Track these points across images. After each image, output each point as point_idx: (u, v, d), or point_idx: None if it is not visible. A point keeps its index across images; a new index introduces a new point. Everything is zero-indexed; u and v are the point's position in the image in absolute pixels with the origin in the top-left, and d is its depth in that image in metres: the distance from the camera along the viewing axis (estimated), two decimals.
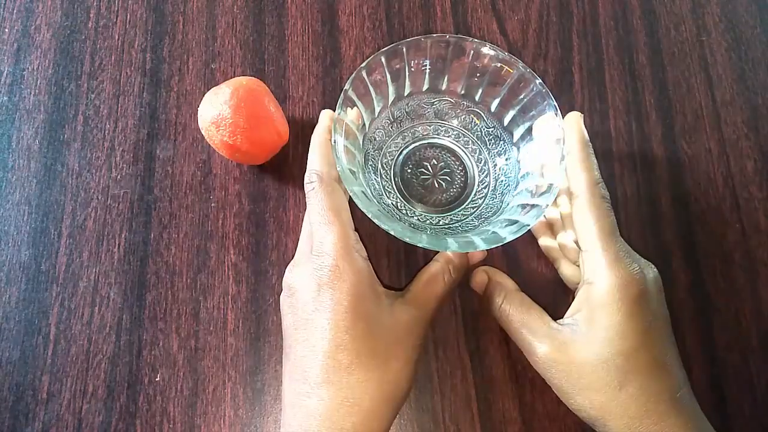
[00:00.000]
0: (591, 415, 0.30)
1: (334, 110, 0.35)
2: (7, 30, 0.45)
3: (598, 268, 0.31)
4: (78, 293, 0.39)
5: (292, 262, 0.34)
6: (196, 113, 0.40)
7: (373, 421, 0.29)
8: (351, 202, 0.35)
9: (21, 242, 0.40)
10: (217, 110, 0.36)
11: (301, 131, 0.43)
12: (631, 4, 0.48)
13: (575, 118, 0.35)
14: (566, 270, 0.37)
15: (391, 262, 0.40)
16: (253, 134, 0.37)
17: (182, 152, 0.42)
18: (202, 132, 0.38)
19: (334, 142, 0.35)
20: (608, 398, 0.29)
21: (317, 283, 0.30)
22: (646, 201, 0.42)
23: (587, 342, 0.30)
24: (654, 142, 0.44)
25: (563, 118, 0.36)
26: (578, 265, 0.37)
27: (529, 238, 0.40)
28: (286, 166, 0.42)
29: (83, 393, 0.37)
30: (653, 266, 0.33)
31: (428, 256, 0.40)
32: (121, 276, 0.39)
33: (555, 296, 0.40)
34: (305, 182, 0.34)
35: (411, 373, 0.31)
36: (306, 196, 0.33)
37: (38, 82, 0.44)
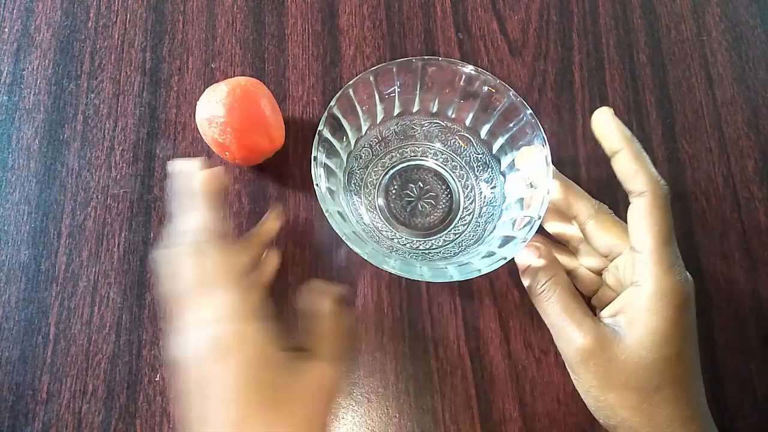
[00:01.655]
0: (618, 415, 0.30)
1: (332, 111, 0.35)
2: (7, 30, 0.45)
3: (650, 272, 0.30)
4: (78, 293, 0.39)
5: (176, 329, 0.29)
6: (196, 111, 0.40)
7: None
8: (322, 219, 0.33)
9: (21, 242, 0.40)
10: (211, 107, 0.36)
11: (301, 131, 0.43)
12: (632, 3, 0.48)
13: (610, 114, 0.32)
14: (583, 275, 0.37)
15: None
16: (244, 136, 0.37)
17: (182, 152, 0.42)
18: (198, 126, 0.38)
19: (314, 158, 0.34)
20: (641, 399, 0.29)
21: (214, 352, 0.27)
22: None
23: (632, 343, 0.30)
24: (654, 142, 0.44)
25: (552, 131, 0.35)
26: (598, 274, 0.36)
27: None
28: (286, 166, 0.42)
29: (83, 393, 0.37)
30: (687, 272, 0.32)
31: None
32: (120, 276, 0.39)
33: None
34: (187, 237, 0.29)
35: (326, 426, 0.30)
36: (191, 254, 0.29)
37: (38, 82, 0.44)
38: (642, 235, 0.30)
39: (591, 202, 0.35)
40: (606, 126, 0.32)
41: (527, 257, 0.34)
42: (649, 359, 0.29)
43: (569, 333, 0.31)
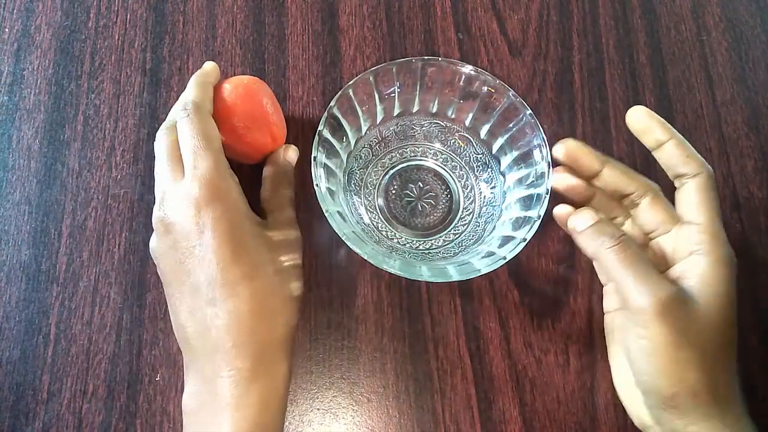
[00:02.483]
0: (685, 378, 0.29)
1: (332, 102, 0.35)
2: (7, 30, 0.45)
3: (711, 242, 0.32)
4: (78, 293, 0.39)
5: (156, 203, 0.33)
6: None
7: (280, 323, 0.32)
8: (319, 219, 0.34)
9: (21, 242, 0.40)
10: (214, 105, 0.36)
11: (301, 131, 0.43)
12: (632, 3, 0.48)
13: (647, 110, 0.34)
14: None
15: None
16: (246, 134, 0.37)
17: None
18: None
19: (314, 158, 0.34)
20: (708, 360, 0.30)
21: (195, 207, 0.31)
22: None
23: (704, 304, 0.31)
24: None
25: (555, 144, 0.36)
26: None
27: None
28: None
29: (83, 393, 0.37)
30: None
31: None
32: (121, 276, 0.39)
33: (555, 296, 0.40)
34: (179, 110, 0.34)
35: (299, 275, 0.35)
36: (177, 124, 0.34)
37: (38, 82, 0.44)
38: (701, 210, 0.32)
39: (649, 182, 0.36)
40: (647, 121, 0.34)
41: (586, 216, 0.34)
42: (717, 321, 0.30)
43: (649, 284, 0.30)
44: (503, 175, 0.39)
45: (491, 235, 0.37)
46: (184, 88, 0.43)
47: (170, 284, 0.32)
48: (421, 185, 0.40)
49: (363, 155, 0.40)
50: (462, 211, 0.40)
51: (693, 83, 0.46)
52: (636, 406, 0.33)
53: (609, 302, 0.37)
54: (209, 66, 0.38)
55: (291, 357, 0.33)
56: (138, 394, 0.37)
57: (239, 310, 0.30)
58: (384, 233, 0.38)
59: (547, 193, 0.34)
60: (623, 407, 0.35)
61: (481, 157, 0.40)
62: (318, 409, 0.37)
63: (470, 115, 0.39)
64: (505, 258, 0.33)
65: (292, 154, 0.39)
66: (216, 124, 0.36)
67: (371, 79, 0.37)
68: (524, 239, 0.33)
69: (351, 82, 0.36)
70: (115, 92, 0.43)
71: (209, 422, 0.30)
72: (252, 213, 0.34)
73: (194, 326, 0.31)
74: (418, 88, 0.38)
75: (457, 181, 0.40)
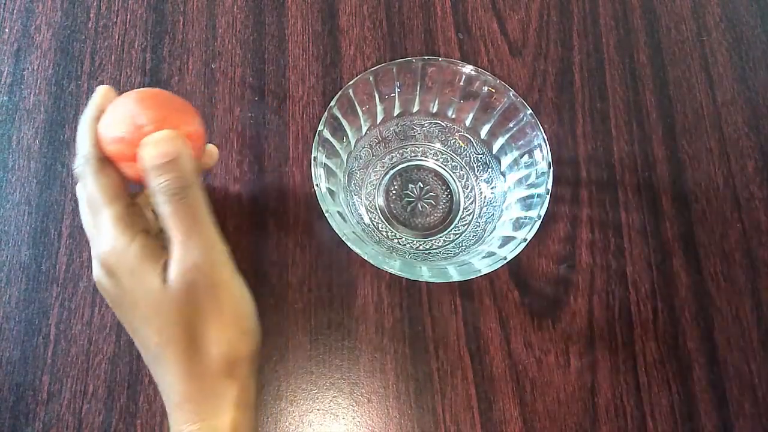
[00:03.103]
0: None
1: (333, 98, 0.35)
2: (7, 30, 0.45)
3: None
4: (78, 293, 0.39)
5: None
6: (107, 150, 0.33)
7: (221, 368, 0.29)
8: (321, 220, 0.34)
9: (21, 242, 0.40)
10: (125, 124, 0.30)
11: (301, 131, 0.43)
12: (632, 3, 0.48)
13: None
14: None
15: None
16: (175, 121, 0.30)
17: None
18: (121, 168, 0.31)
19: (314, 158, 0.34)
20: None
21: (107, 272, 0.30)
22: (646, 201, 0.42)
23: None
24: (654, 142, 0.44)
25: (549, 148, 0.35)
26: None
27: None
28: (286, 165, 0.42)
29: (83, 393, 0.37)
30: None
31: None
32: None
33: (555, 296, 0.40)
34: (74, 169, 0.31)
35: (244, 293, 0.31)
36: (79, 186, 0.32)
37: (38, 82, 0.44)
38: None
39: None
40: None
41: None
42: None
43: None
44: (504, 175, 0.39)
45: (491, 235, 0.37)
46: (185, 89, 0.44)
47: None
48: (422, 185, 0.40)
49: (363, 155, 0.40)
50: (462, 212, 0.40)
51: (693, 83, 0.46)
52: None
53: None
54: (95, 96, 0.32)
55: (253, 384, 0.31)
56: (138, 395, 0.37)
57: (165, 375, 0.30)
58: (384, 233, 0.38)
59: (547, 193, 0.34)
60: (623, 407, 0.35)
61: (481, 157, 0.40)
62: (318, 410, 0.37)
63: (470, 115, 0.39)
64: (505, 258, 0.33)
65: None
66: (137, 138, 0.30)
67: (371, 79, 0.37)
68: (524, 239, 0.33)
69: (351, 82, 0.36)
70: (115, 93, 0.43)
71: None
72: (159, 254, 0.29)
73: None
74: (418, 88, 0.38)
75: (457, 182, 0.40)
